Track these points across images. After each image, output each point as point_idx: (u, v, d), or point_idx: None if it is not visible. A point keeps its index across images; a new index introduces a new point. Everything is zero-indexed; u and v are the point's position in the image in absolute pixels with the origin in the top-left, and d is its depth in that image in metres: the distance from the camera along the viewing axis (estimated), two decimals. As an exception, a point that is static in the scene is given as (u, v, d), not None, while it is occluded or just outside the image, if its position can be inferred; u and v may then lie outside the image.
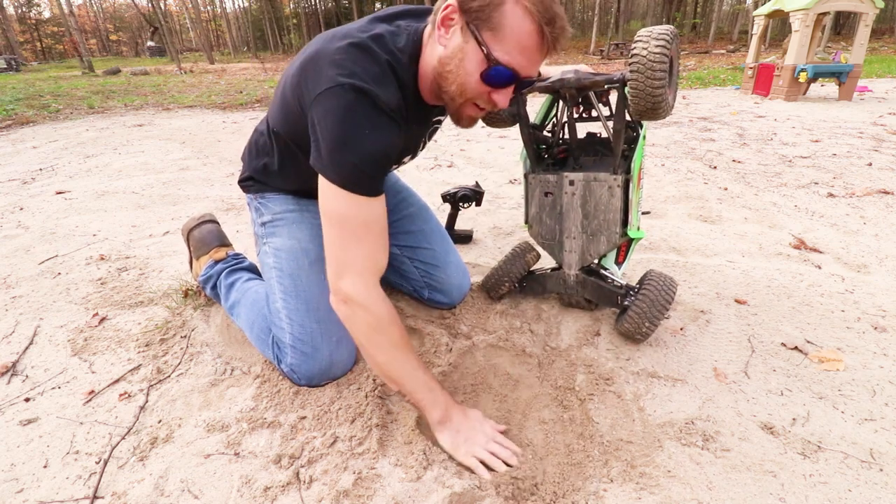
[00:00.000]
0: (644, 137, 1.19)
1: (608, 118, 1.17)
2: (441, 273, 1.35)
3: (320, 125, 0.84)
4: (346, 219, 0.87)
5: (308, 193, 1.19)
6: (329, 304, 1.11)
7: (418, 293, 1.41)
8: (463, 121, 0.94)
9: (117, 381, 1.15)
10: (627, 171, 1.15)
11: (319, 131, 0.85)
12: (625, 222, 1.19)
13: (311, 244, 1.17)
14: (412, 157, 1.15)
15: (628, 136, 1.23)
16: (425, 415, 0.95)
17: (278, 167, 1.15)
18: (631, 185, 1.15)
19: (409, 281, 1.40)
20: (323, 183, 0.87)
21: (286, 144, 1.08)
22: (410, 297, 1.46)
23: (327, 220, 0.89)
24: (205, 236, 1.49)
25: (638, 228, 1.24)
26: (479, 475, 0.87)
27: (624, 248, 1.34)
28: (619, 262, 1.35)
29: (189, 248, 1.52)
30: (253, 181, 1.23)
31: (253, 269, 1.42)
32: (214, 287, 1.39)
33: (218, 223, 1.57)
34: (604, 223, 1.20)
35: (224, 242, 1.51)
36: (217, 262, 1.43)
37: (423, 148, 1.16)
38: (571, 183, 1.20)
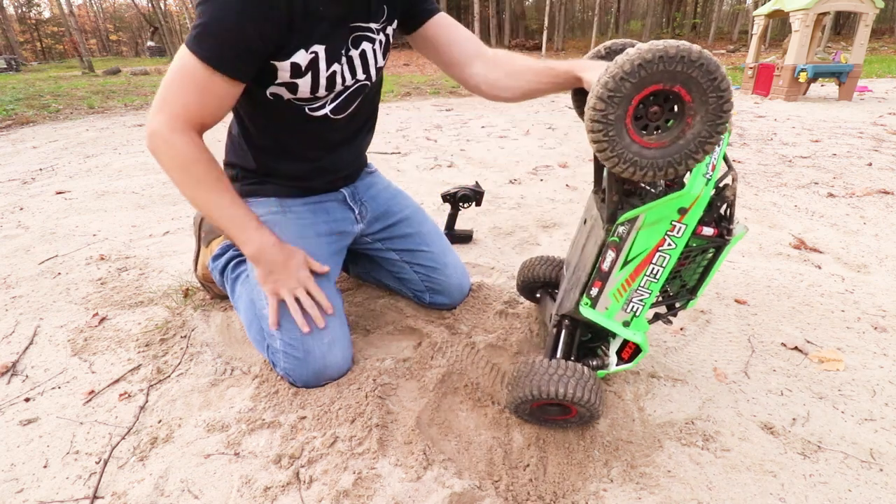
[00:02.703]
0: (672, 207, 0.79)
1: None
2: (440, 275, 1.35)
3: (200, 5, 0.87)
4: (181, 71, 0.89)
5: (286, 176, 1.18)
6: (318, 307, 1.12)
7: (419, 298, 1.41)
8: None
9: (117, 381, 1.15)
10: (609, 224, 0.85)
11: (198, 8, 0.87)
12: (583, 292, 0.93)
13: (299, 244, 1.14)
14: (334, 65, 1.00)
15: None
16: (239, 248, 1.01)
17: (241, 130, 1.15)
18: (613, 257, 0.87)
19: (409, 286, 1.40)
20: (181, 49, 0.90)
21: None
22: (411, 299, 1.46)
23: (168, 73, 0.92)
24: None
25: (626, 324, 0.92)
26: (269, 313, 0.95)
27: (629, 349, 0.99)
28: (623, 359, 1.00)
29: (198, 236, 1.50)
30: (235, 180, 1.22)
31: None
32: (222, 273, 1.38)
33: None
34: (579, 279, 0.94)
35: None
36: (229, 243, 1.42)
37: (357, 66, 1.04)
38: (586, 221, 0.98)
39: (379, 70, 1.14)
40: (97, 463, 0.92)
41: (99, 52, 47.40)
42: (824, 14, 6.21)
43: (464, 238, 1.93)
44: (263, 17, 0.86)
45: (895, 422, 1.00)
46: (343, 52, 1.02)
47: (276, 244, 1.03)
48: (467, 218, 2.17)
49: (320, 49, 0.97)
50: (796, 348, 1.24)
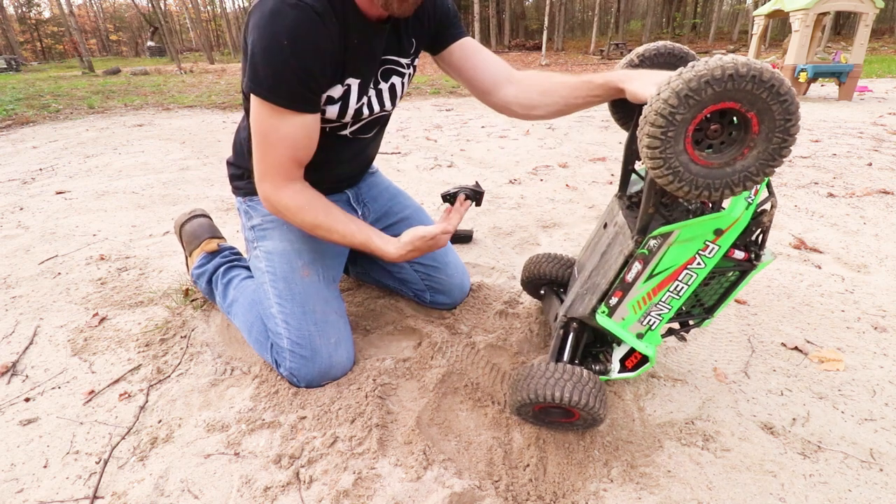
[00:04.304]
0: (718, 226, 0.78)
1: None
2: (441, 274, 1.35)
3: (251, 40, 0.86)
4: (265, 131, 0.93)
5: None
6: (325, 307, 1.13)
7: (420, 297, 1.41)
8: (394, 3, 0.88)
9: (117, 381, 1.15)
10: (640, 236, 0.84)
11: (250, 47, 0.87)
12: (602, 299, 0.92)
13: (304, 245, 1.17)
14: (364, 98, 1.03)
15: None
16: (375, 253, 1.05)
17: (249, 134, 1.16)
18: (639, 269, 0.85)
19: (409, 285, 1.40)
20: (251, 97, 0.91)
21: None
22: (411, 299, 1.46)
23: (252, 129, 0.95)
24: (196, 229, 1.49)
25: (640, 336, 0.92)
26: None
27: (634, 358, 0.99)
28: (626, 367, 1.00)
29: (182, 244, 1.52)
30: (241, 179, 1.23)
31: (249, 267, 1.42)
32: (209, 282, 1.39)
33: (209, 217, 1.57)
34: (597, 285, 0.93)
35: (215, 235, 1.50)
36: (209, 254, 1.42)
37: (385, 98, 1.09)
38: (606, 225, 0.99)
39: (401, 98, 1.16)
40: (97, 463, 0.92)
41: (99, 52, 47.41)
42: (824, 14, 6.21)
43: (464, 238, 1.93)
44: (317, 53, 0.87)
45: (895, 422, 1.00)
46: (372, 84, 1.04)
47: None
48: (467, 218, 2.17)
49: (354, 82, 0.99)
50: (796, 348, 1.24)
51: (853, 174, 2.81)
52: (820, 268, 1.68)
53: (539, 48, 23.71)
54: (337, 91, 0.97)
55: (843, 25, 28.23)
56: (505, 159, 3.35)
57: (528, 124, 4.73)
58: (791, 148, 0.66)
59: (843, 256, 1.76)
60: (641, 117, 0.68)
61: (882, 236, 1.92)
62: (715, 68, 0.61)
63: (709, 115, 0.66)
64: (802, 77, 5.98)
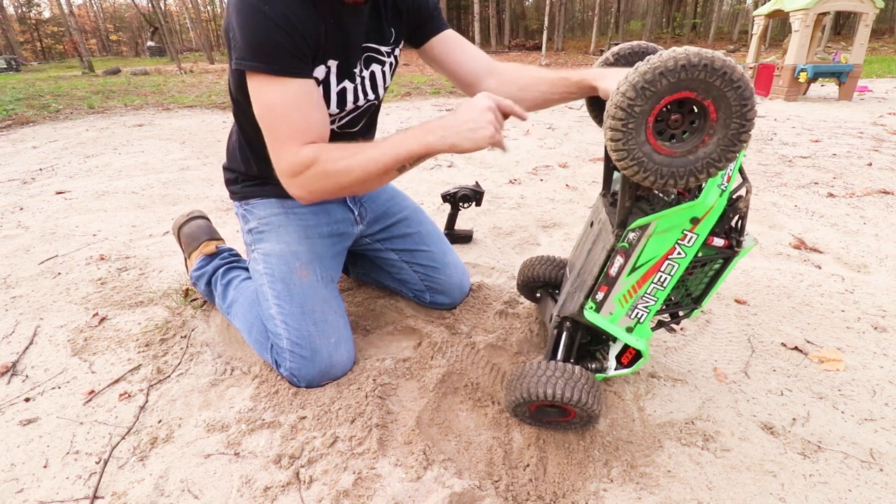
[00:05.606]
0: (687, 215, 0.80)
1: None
2: (440, 274, 1.35)
3: (231, 22, 0.86)
4: (268, 104, 0.89)
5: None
6: (324, 306, 1.13)
7: (419, 297, 1.41)
8: None
9: (117, 381, 1.15)
10: (620, 229, 0.84)
11: (232, 29, 0.86)
12: (588, 295, 0.92)
13: (301, 246, 1.17)
14: (344, 82, 1.01)
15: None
16: (434, 150, 0.87)
17: (242, 135, 1.15)
18: (621, 263, 0.86)
19: (409, 286, 1.40)
20: (247, 78, 0.89)
21: (238, 93, 1.05)
22: (411, 300, 1.46)
23: (257, 114, 0.91)
24: (194, 231, 1.49)
25: (629, 330, 0.93)
26: (503, 148, 0.86)
27: (629, 354, 1.00)
28: (622, 364, 1.01)
29: (181, 246, 1.52)
30: (235, 183, 1.24)
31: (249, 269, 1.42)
32: (209, 284, 1.39)
33: (208, 218, 1.57)
34: (584, 282, 0.94)
35: (214, 237, 1.50)
36: (207, 256, 1.42)
37: (367, 86, 1.07)
38: (593, 224, 0.99)
39: (385, 88, 1.16)
40: (97, 463, 0.92)
41: (99, 52, 47.37)
42: (824, 14, 6.21)
43: (464, 238, 1.93)
44: (295, 13, 0.86)
45: (895, 422, 1.00)
46: (356, 71, 1.04)
47: (442, 117, 0.90)
48: (467, 218, 2.17)
49: (333, 64, 0.98)
50: (796, 348, 1.24)
51: (853, 174, 2.81)
52: (820, 268, 1.68)
53: (539, 48, 23.71)
54: (319, 72, 0.96)
55: (843, 25, 28.24)
56: (505, 159, 3.35)
57: (527, 124, 4.73)
58: (750, 133, 0.67)
59: (843, 256, 1.76)
60: (605, 112, 0.69)
61: (882, 236, 1.92)
62: (668, 59, 0.63)
63: (668, 106, 0.68)
64: (802, 77, 5.98)
